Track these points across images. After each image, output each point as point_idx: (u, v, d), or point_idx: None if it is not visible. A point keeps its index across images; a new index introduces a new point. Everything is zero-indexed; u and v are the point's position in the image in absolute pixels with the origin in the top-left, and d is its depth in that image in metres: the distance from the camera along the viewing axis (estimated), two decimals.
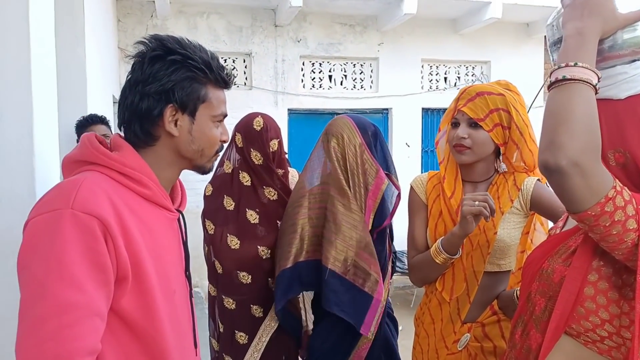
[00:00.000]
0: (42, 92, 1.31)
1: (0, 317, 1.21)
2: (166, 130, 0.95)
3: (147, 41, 0.96)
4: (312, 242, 1.66)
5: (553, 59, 1.10)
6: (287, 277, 1.64)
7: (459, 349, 1.41)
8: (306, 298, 1.86)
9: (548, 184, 1.26)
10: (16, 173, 1.22)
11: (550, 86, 0.87)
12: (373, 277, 1.58)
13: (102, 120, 2.77)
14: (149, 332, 0.89)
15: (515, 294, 1.38)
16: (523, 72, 6.19)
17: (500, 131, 1.43)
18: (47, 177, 1.34)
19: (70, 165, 0.94)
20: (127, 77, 0.97)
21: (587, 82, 0.83)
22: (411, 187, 1.60)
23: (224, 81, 1.01)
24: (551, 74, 0.88)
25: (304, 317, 1.85)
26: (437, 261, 1.41)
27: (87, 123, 2.72)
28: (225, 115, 1.04)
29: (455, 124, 1.47)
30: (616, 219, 0.82)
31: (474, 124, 1.42)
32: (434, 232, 1.50)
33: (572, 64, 0.84)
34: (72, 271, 0.77)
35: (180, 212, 1.05)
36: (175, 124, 0.96)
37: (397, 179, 1.69)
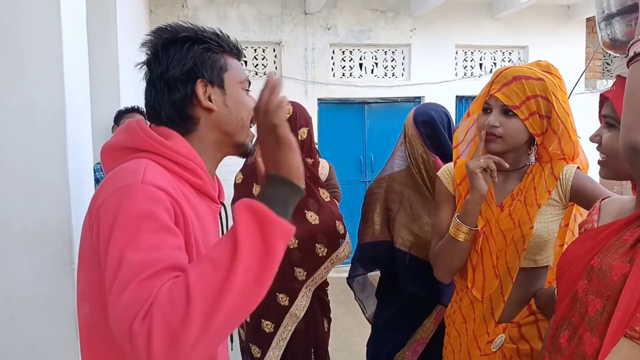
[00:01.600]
0: (74, 84, 1.32)
1: (38, 305, 1.24)
2: (204, 107, 0.93)
3: (152, 36, 0.94)
4: (385, 223, 1.75)
5: (602, 36, 1.02)
6: (364, 251, 1.76)
7: (493, 350, 1.31)
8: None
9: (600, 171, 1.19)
10: (50, 164, 1.23)
11: (635, 58, 0.79)
12: None
13: (143, 114, 2.81)
14: None
15: (555, 292, 1.27)
16: (563, 57, 5.94)
17: (537, 120, 1.29)
18: (80, 168, 1.35)
19: (116, 152, 0.91)
20: (146, 76, 0.96)
21: None
22: (438, 177, 1.51)
23: (237, 48, 1.00)
24: (631, 45, 0.80)
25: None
26: (459, 239, 1.30)
27: (129, 111, 2.77)
28: (250, 83, 1.02)
29: (486, 110, 1.34)
30: None
31: (507, 111, 1.29)
32: None
33: None
34: (148, 238, 0.74)
35: (223, 204, 1.04)
36: (210, 99, 0.94)
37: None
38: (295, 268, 1.76)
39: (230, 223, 0.84)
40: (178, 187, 0.86)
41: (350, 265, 1.86)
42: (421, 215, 1.68)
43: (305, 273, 1.77)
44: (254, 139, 1.05)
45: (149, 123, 0.97)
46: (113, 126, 2.80)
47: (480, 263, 1.33)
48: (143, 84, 0.98)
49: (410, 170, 1.73)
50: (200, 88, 0.92)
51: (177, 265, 0.74)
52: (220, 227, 1.05)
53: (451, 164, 1.50)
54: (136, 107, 2.82)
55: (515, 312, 1.32)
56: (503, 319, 1.32)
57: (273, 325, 1.76)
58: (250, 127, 1.03)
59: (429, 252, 1.58)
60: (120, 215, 0.76)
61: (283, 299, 1.75)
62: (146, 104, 0.97)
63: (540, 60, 1.41)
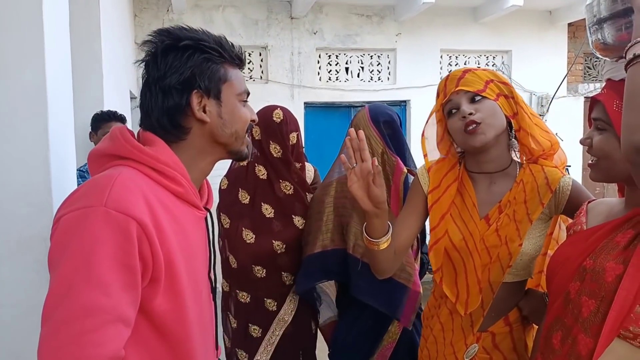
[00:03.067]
0: (57, 88, 1.31)
1: (21, 312, 1.22)
2: (197, 118, 0.92)
3: (153, 37, 0.93)
4: (337, 231, 1.69)
5: (593, 40, 1.04)
6: (312, 262, 1.67)
7: (466, 359, 1.28)
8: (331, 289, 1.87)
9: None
10: (32, 169, 1.21)
11: (634, 60, 0.80)
12: (407, 268, 1.59)
13: (121, 119, 2.76)
14: (177, 335, 0.87)
15: (545, 296, 1.25)
16: (545, 61, 6.04)
17: (504, 101, 1.24)
18: (63, 173, 1.34)
19: (100, 159, 0.91)
20: (143, 78, 0.94)
21: None
22: (416, 175, 1.42)
23: (239, 58, 0.98)
24: (629, 48, 0.82)
25: (331, 309, 1.85)
26: (382, 248, 1.22)
27: (105, 118, 2.71)
28: (249, 94, 1.01)
29: (451, 111, 1.26)
30: None
31: (476, 98, 1.23)
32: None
33: None
34: (100, 273, 0.74)
35: (208, 211, 1.03)
36: (204, 110, 0.93)
37: (415, 168, 1.69)
38: (283, 273, 1.75)
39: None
40: (156, 194, 0.85)
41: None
42: None
43: (292, 277, 1.77)
44: (249, 145, 1.04)
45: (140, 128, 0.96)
46: (90, 132, 2.75)
47: (464, 278, 1.27)
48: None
49: None
50: (195, 99, 0.91)
51: (122, 317, 0.76)
52: (207, 234, 1.04)
53: (431, 177, 1.39)
54: (114, 113, 2.76)
55: (492, 322, 1.28)
56: (480, 328, 1.28)
57: (261, 330, 1.75)
58: (247, 139, 1.03)
59: None
60: (75, 241, 0.75)
61: (271, 304, 1.74)
62: (140, 106, 0.96)
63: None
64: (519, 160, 1.34)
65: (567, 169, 1.40)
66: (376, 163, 1.13)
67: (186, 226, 0.91)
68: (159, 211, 0.83)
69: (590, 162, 1.05)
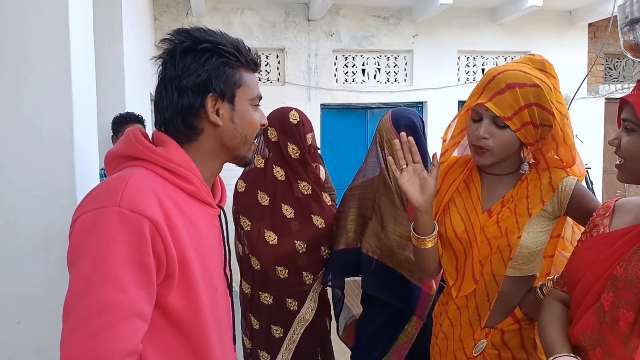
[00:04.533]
0: (81, 90, 1.34)
1: (45, 308, 1.25)
2: (210, 121, 0.94)
3: (173, 36, 0.94)
4: (360, 230, 1.76)
5: (624, 40, 1.03)
6: (337, 258, 1.76)
7: (475, 354, 1.29)
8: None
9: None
10: (57, 169, 1.25)
11: None
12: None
13: (139, 120, 2.81)
14: (193, 330, 0.89)
15: (538, 291, 1.26)
16: (565, 62, 5.93)
17: (530, 130, 1.21)
18: (87, 173, 1.37)
19: (114, 160, 0.93)
20: (159, 76, 0.95)
21: None
22: None
23: (255, 63, 0.99)
24: None
25: (353, 309, 1.91)
26: (427, 246, 1.29)
27: (123, 121, 2.76)
28: (261, 98, 1.03)
29: (476, 119, 1.25)
30: None
31: (498, 123, 1.21)
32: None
33: None
34: (115, 271, 0.77)
35: (222, 208, 1.05)
36: (217, 114, 0.94)
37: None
38: (303, 272, 1.77)
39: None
40: (168, 193, 0.87)
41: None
42: (388, 223, 1.67)
43: (312, 276, 1.79)
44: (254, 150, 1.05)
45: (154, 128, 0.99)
46: (112, 136, 2.81)
47: (463, 266, 1.31)
48: (148, 90, 0.99)
49: (383, 177, 1.72)
50: (209, 102, 0.93)
51: (138, 313, 0.79)
52: (221, 232, 1.05)
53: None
54: (132, 114, 2.81)
55: (500, 319, 1.29)
56: (487, 324, 1.30)
57: (282, 330, 1.77)
58: (254, 145, 1.04)
59: (396, 260, 1.62)
60: (91, 241, 0.78)
61: (292, 304, 1.76)
62: (155, 103, 0.98)
63: (534, 55, 1.31)
64: (530, 161, 1.33)
65: (586, 171, 1.39)
66: (437, 157, 1.25)
67: (199, 224, 0.93)
68: (172, 210, 0.85)
69: (617, 162, 1.04)
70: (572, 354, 0.98)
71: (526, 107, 1.19)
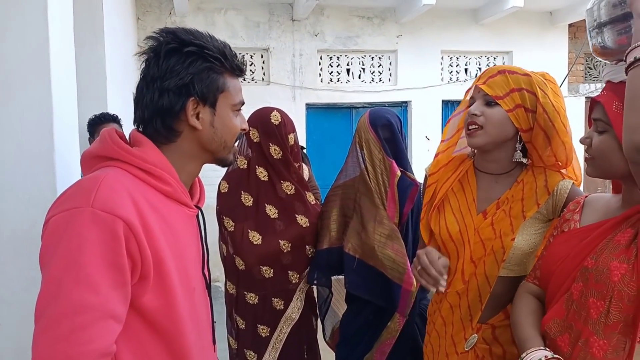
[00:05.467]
0: (61, 90, 1.33)
1: (27, 310, 1.23)
2: (189, 124, 0.94)
3: (159, 35, 0.93)
4: (342, 230, 1.79)
5: (593, 43, 1.06)
6: (320, 257, 1.79)
7: (466, 349, 1.31)
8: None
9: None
10: (37, 170, 1.23)
11: (635, 63, 0.82)
12: (401, 267, 1.65)
13: (114, 119, 2.77)
14: (170, 330, 0.89)
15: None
16: (546, 62, 6.03)
17: (522, 113, 1.24)
18: (67, 174, 1.36)
19: (90, 160, 0.93)
20: (142, 74, 0.95)
21: None
22: (425, 174, 1.49)
23: (239, 69, 0.99)
24: (630, 52, 0.84)
25: (336, 310, 1.94)
26: None
27: (99, 121, 2.72)
28: (243, 104, 1.03)
29: (472, 103, 1.30)
30: None
31: (490, 102, 1.25)
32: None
33: None
34: (88, 272, 0.76)
35: (199, 209, 1.04)
36: (197, 117, 0.94)
37: (411, 172, 1.75)
38: (289, 271, 1.78)
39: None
40: (143, 194, 0.86)
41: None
42: (368, 222, 1.70)
43: (297, 275, 1.79)
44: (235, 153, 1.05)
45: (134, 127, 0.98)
46: (88, 137, 2.77)
47: (455, 266, 1.33)
48: (130, 91, 0.98)
49: (363, 177, 1.74)
50: (190, 105, 0.93)
51: (112, 314, 0.78)
52: (199, 232, 1.05)
53: (435, 161, 1.46)
54: (107, 114, 2.76)
55: (492, 315, 1.31)
56: (479, 320, 1.31)
57: (269, 329, 1.77)
58: (234, 148, 1.04)
59: (377, 259, 1.65)
60: (63, 241, 0.77)
61: (278, 303, 1.77)
62: (135, 100, 0.97)
63: (543, 72, 1.37)
64: (526, 162, 1.35)
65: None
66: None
67: (175, 224, 0.92)
68: (146, 210, 0.84)
69: (587, 157, 1.07)
70: (545, 348, 1.00)
71: (517, 90, 1.24)
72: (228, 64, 0.96)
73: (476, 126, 1.26)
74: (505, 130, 1.26)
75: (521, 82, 1.25)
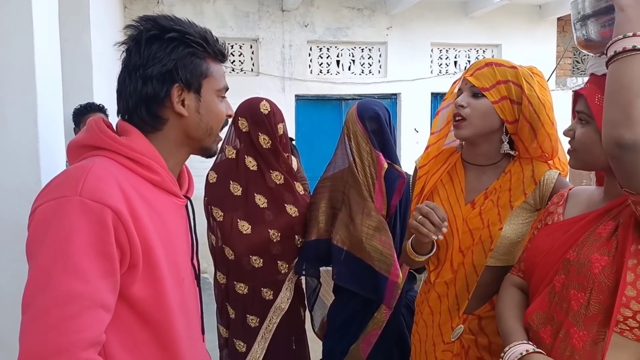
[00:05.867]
0: (46, 80, 1.30)
1: (10, 302, 1.22)
2: (175, 111, 0.93)
3: (138, 24, 0.92)
4: (330, 221, 1.79)
5: (578, 36, 1.07)
6: (309, 248, 1.80)
7: (452, 339, 1.32)
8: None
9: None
10: (22, 161, 1.22)
11: (615, 57, 0.82)
12: (387, 260, 1.66)
13: (101, 109, 2.75)
14: (159, 320, 0.89)
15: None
16: (535, 55, 6.07)
17: (507, 105, 1.26)
18: (52, 165, 1.34)
19: (76, 150, 0.92)
20: (123, 63, 0.94)
21: None
22: (415, 167, 1.50)
23: (222, 54, 0.99)
24: (610, 45, 0.84)
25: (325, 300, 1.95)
26: (417, 260, 1.34)
27: (84, 111, 2.70)
28: (227, 89, 1.02)
29: (459, 95, 1.33)
30: None
31: (477, 94, 1.27)
32: None
33: None
34: (77, 261, 0.76)
35: (188, 199, 1.04)
36: (183, 104, 0.93)
37: (399, 164, 1.75)
38: (278, 261, 1.78)
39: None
40: (132, 183, 0.86)
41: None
42: (356, 215, 1.71)
43: (287, 265, 1.80)
44: (220, 142, 1.05)
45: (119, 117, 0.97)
46: (74, 128, 2.74)
47: (444, 256, 1.35)
48: (116, 81, 0.97)
49: (351, 169, 1.75)
50: (175, 92, 0.92)
51: (101, 303, 0.77)
52: (188, 222, 1.04)
53: (425, 153, 1.48)
54: (93, 104, 2.75)
55: (478, 306, 1.33)
56: (466, 310, 1.33)
57: (258, 319, 1.78)
58: (219, 136, 1.03)
59: (364, 251, 1.67)
60: (51, 231, 0.76)
61: (267, 293, 1.77)
62: (117, 91, 0.96)
63: (531, 66, 1.38)
64: (514, 154, 1.37)
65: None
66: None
67: (164, 214, 0.92)
68: (135, 199, 0.84)
69: (569, 149, 1.08)
70: (527, 341, 1.01)
71: (503, 82, 1.27)
72: (210, 48, 0.95)
73: (461, 117, 1.28)
74: (491, 121, 1.28)
75: (507, 74, 1.27)
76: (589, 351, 0.90)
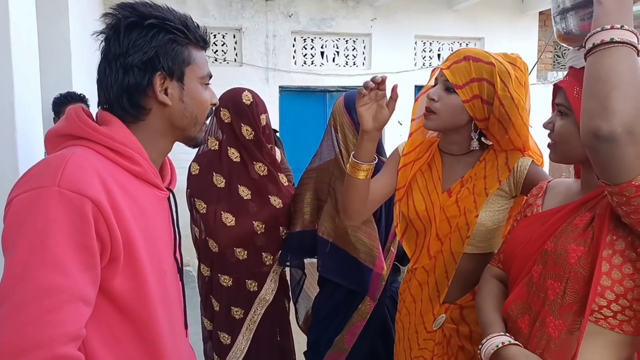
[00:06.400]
0: (23, 68, 1.27)
1: None
2: (158, 100, 0.91)
3: (116, 11, 0.90)
4: (316, 213, 1.79)
5: (557, 29, 1.08)
6: (293, 240, 1.79)
7: (434, 328, 1.35)
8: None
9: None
10: None
11: (593, 49, 0.83)
12: (373, 251, 1.67)
13: (81, 99, 2.70)
14: (140, 315, 0.87)
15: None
16: (517, 49, 6.05)
17: (478, 104, 1.27)
18: (30, 155, 1.31)
19: (55, 139, 0.89)
20: (102, 52, 0.91)
21: (633, 46, 0.81)
22: (396, 148, 1.49)
23: (203, 40, 0.96)
24: (589, 38, 0.85)
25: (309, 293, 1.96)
26: (359, 177, 1.29)
27: (65, 101, 2.64)
28: (211, 76, 1.00)
29: (435, 84, 1.33)
30: None
31: (449, 88, 1.28)
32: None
33: (619, 26, 0.81)
34: (56, 253, 0.73)
35: (171, 191, 1.02)
36: (166, 93, 0.91)
37: (386, 157, 1.75)
38: (262, 253, 1.78)
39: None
40: (112, 174, 0.84)
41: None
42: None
43: (271, 257, 1.80)
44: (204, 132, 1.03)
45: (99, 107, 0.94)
46: (53, 117, 2.69)
47: (422, 243, 1.38)
48: (96, 70, 0.94)
49: (337, 160, 1.74)
50: (158, 80, 0.90)
51: (81, 297, 0.75)
52: (170, 215, 1.02)
53: (410, 140, 1.48)
54: (74, 94, 2.69)
55: (460, 295, 1.35)
56: (447, 299, 1.36)
57: (243, 311, 1.78)
58: (204, 125, 1.01)
59: (349, 243, 1.67)
60: (29, 222, 0.74)
61: (252, 285, 1.77)
62: (98, 81, 0.93)
63: (512, 53, 1.37)
64: (488, 143, 1.38)
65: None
66: (397, 90, 1.25)
67: (146, 206, 0.90)
68: (116, 191, 0.82)
69: (549, 143, 1.10)
70: (505, 333, 1.03)
71: (477, 80, 1.26)
72: (191, 35, 0.93)
73: (430, 110, 1.30)
74: (459, 117, 1.30)
75: (483, 71, 1.26)
76: (564, 340, 0.92)
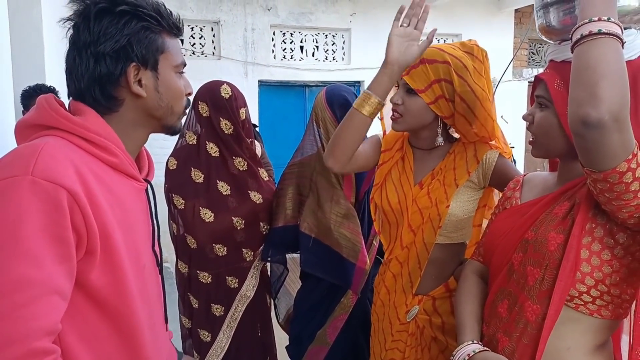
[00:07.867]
0: None
1: None
2: (132, 91, 0.88)
3: None
4: (298, 208, 1.78)
5: (540, 23, 1.10)
6: (276, 235, 1.78)
7: (408, 320, 1.38)
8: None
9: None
10: None
11: (581, 40, 0.85)
12: (356, 246, 1.68)
13: (51, 92, 2.63)
14: (119, 309, 0.85)
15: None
16: (493, 46, 6.14)
17: (443, 103, 1.30)
18: (2, 148, 1.27)
19: (26, 130, 0.85)
20: (71, 40, 0.87)
21: (619, 37, 0.84)
22: (377, 135, 1.53)
23: (177, 27, 0.94)
24: (576, 29, 0.87)
25: (291, 290, 1.96)
26: (363, 112, 1.26)
27: (34, 93, 2.58)
28: (185, 65, 0.98)
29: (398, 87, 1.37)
30: (637, 175, 0.84)
31: (411, 90, 1.31)
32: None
33: (606, 18, 0.84)
34: (29, 245, 0.71)
35: (149, 182, 1.00)
36: (140, 84, 0.88)
37: None
38: (243, 249, 1.76)
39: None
40: (87, 165, 0.81)
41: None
42: (325, 202, 1.71)
43: (252, 253, 1.78)
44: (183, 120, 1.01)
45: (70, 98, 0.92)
46: (22, 111, 2.62)
47: (395, 234, 1.41)
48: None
49: (320, 155, 1.72)
50: (131, 72, 0.87)
51: (56, 290, 0.73)
52: (148, 207, 1.00)
53: (390, 136, 1.50)
54: (43, 86, 2.64)
55: (433, 287, 1.38)
56: (421, 291, 1.39)
57: (223, 308, 1.76)
58: (184, 113, 0.99)
59: (332, 238, 1.68)
60: (1, 213, 0.71)
61: (232, 282, 1.75)
62: (67, 71, 0.90)
63: (470, 40, 1.39)
64: (456, 136, 1.43)
65: (511, 149, 1.48)
66: (434, 34, 1.25)
67: (123, 198, 0.87)
68: (92, 181, 0.79)
69: (530, 139, 1.12)
70: (476, 342, 1.06)
71: (436, 81, 1.29)
72: (165, 22, 0.90)
73: (396, 113, 1.34)
74: (424, 117, 1.34)
75: (440, 71, 1.28)
76: (540, 324, 0.95)
